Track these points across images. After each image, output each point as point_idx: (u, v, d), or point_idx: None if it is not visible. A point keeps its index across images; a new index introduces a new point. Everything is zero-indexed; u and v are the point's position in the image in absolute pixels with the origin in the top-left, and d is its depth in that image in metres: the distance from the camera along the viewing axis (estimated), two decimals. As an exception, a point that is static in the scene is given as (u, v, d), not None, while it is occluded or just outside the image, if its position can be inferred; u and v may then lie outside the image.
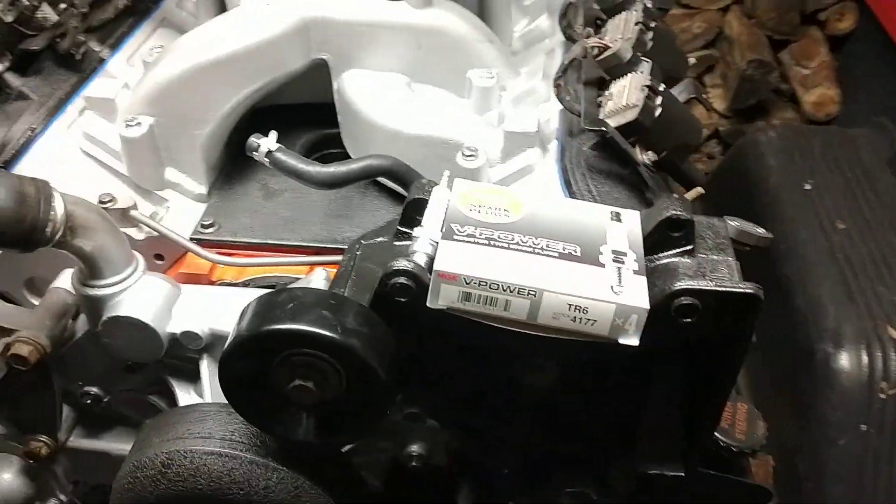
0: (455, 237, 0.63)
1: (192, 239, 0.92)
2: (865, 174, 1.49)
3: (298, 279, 0.86)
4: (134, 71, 1.03)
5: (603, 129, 0.78)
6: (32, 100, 0.93)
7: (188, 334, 0.79)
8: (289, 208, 0.96)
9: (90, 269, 0.77)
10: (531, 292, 0.60)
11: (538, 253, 0.63)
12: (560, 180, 0.84)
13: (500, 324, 0.62)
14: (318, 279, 0.83)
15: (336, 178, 0.80)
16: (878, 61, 2.06)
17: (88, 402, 0.89)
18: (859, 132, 1.66)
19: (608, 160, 0.82)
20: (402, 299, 0.63)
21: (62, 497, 0.96)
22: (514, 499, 0.83)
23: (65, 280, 0.85)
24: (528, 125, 0.88)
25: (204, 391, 0.81)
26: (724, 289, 0.61)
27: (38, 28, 0.94)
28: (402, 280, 0.63)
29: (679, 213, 0.67)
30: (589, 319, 0.60)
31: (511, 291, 0.60)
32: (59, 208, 0.71)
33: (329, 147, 1.07)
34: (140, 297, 0.79)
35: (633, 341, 0.60)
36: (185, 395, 0.84)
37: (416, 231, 0.67)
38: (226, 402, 0.67)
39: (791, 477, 1.35)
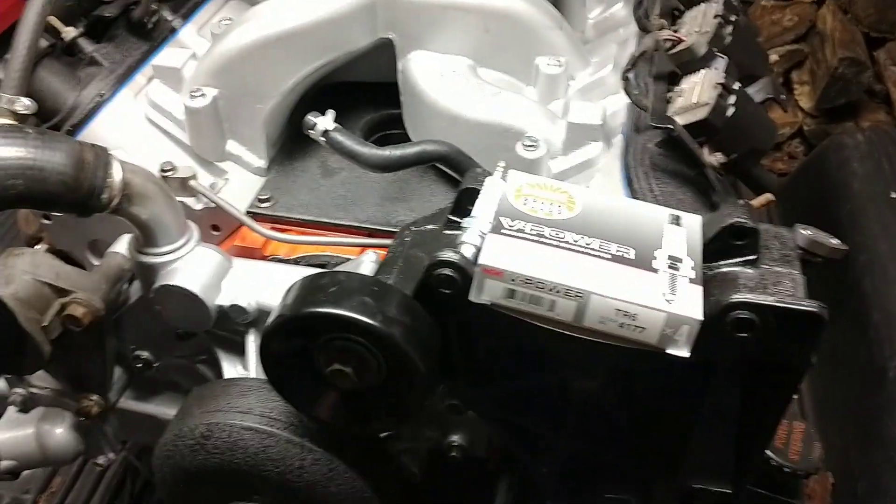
0: (503, 231, 0.61)
1: (248, 213, 0.93)
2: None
3: (349, 260, 0.86)
4: (203, 42, 1.04)
5: (670, 126, 0.74)
6: (103, 66, 0.94)
7: (236, 308, 0.79)
8: (346, 187, 0.96)
9: (145, 237, 0.78)
10: (578, 294, 0.57)
11: (589, 253, 0.60)
12: (622, 177, 0.80)
13: (544, 324, 0.60)
14: (368, 262, 0.82)
15: (390, 162, 0.79)
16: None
17: (140, 365, 0.91)
18: (955, 141, 1.57)
19: (674, 160, 0.79)
20: (447, 291, 0.62)
21: (110, 455, 0.98)
22: (554, 499, 0.81)
23: (122, 245, 0.86)
24: (593, 117, 0.85)
25: (249, 365, 0.81)
26: (784, 305, 0.57)
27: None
28: (447, 272, 0.61)
29: (743, 220, 0.63)
30: (637, 326, 0.57)
31: (557, 292, 0.58)
32: (116, 176, 0.71)
33: (390, 128, 1.06)
34: (192, 267, 0.79)
35: (684, 353, 0.58)
36: (230, 368, 0.85)
37: (465, 222, 0.65)
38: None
39: (850, 496, 1.30)
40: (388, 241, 0.87)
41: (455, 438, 0.86)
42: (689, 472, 0.73)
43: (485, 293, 0.60)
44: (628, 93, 0.79)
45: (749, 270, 0.63)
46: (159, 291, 0.79)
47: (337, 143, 0.79)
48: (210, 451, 0.71)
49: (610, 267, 0.59)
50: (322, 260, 0.86)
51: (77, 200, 0.70)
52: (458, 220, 0.69)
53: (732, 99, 0.75)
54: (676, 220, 0.65)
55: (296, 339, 0.63)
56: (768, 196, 0.74)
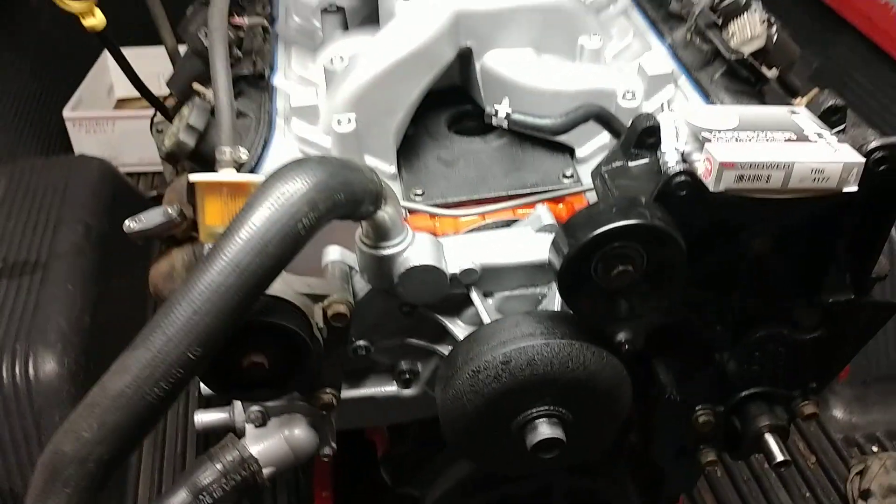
0: (717, 139, 0.86)
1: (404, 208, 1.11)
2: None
3: (517, 221, 1.07)
4: (294, 83, 1.20)
5: (742, 54, 1.03)
6: (250, 117, 1.08)
7: (467, 271, 0.98)
8: (472, 171, 1.16)
9: (384, 233, 0.95)
10: (785, 165, 0.84)
11: (773, 140, 0.87)
12: (703, 101, 1.08)
13: (761, 195, 0.85)
14: (544, 212, 1.04)
15: (565, 125, 1.01)
16: None
17: (362, 354, 1.06)
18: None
19: (739, 82, 1.08)
20: (682, 193, 0.86)
21: (333, 444, 1.12)
22: (722, 348, 1.06)
23: (333, 254, 1.02)
24: (665, 67, 1.12)
25: (482, 314, 1.00)
26: (901, 141, 0.87)
27: (242, 55, 1.09)
28: (682, 178, 0.85)
29: (837, 102, 0.93)
30: (825, 177, 0.84)
31: (771, 167, 0.84)
32: (382, 184, 0.88)
33: (463, 121, 1.27)
34: (422, 249, 0.97)
35: (854, 188, 0.85)
36: (454, 325, 1.03)
37: (664, 144, 0.90)
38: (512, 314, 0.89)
39: None
40: (538, 197, 1.10)
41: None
42: (823, 292, 1.02)
43: (722, 183, 0.84)
44: (697, 41, 1.07)
45: (845, 135, 0.93)
46: (405, 275, 0.96)
47: (520, 121, 1.00)
48: (512, 372, 0.90)
49: (790, 145, 0.86)
50: (502, 223, 1.06)
51: (366, 207, 0.86)
52: (640, 150, 0.93)
53: (774, 29, 1.05)
54: (793, 112, 0.94)
55: (585, 261, 0.84)
56: (815, 90, 1.05)
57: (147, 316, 2.22)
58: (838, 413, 1.86)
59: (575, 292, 0.87)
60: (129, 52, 2.98)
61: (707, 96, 1.09)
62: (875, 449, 1.79)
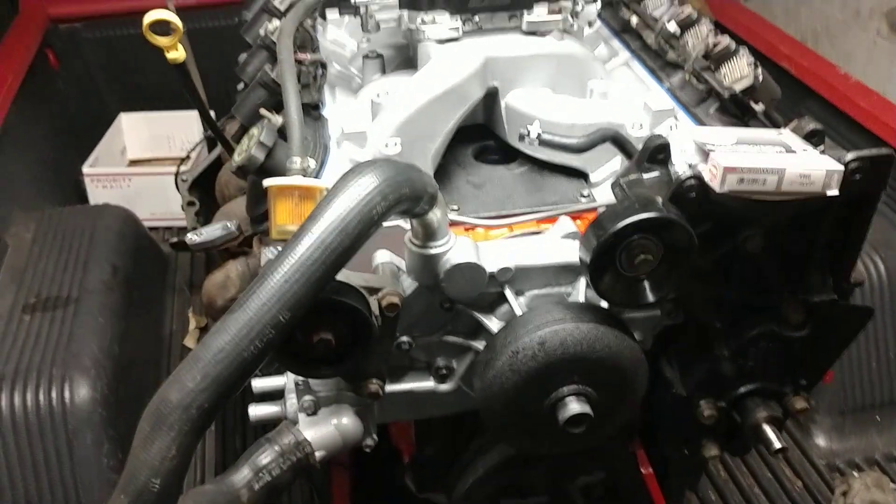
0: (720, 150, 1.02)
1: (442, 222, 1.25)
2: None
3: (541, 232, 1.22)
4: (341, 115, 1.36)
5: (735, 91, 1.21)
6: (308, 139, 1.23)
7: (503, 270, 1.12)
8: (499, 191, 1.31)
9: (432, 233, 1.08)
10: (778, 171, 1.00)
11: (765, 153, 1.03)
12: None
13: (757, 196, 1.01)
14: (567, 222, 1.19)
15: (587, 144, 1.17)
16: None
17: (405, 349, 1.19)
18: None
19: (731, 116, 1.25)
20: (692, 195, 1.02)
21: (374, 436, 1.23)
22: (719, 346, 1.20)
23: (383, 256, 1.16)
24: (666, 104, 1.30)
25: (516, 309, 1.13)
26: (872, 153, 1.04)
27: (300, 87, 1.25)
28: (692, 182, 1.01)
29: (817, 126, 1.10)
30: (811, 182, 1.00)
31: (766, 172, 0.99)
32: (436, 188, 1.03)
33: (487, 153, 1.43)
34: (464, 249, 1.11)
35: (835, 192, 1.01)
36: (489, 321, 1.16)
37: (673, 158, 1.06)
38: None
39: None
40: (563, 210, 1.25)
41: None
42: (807, 292, 1.17)
43: (726, 185, 1.00)
44: (696, 83, 1.25)
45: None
46: (450, 271, 1.09)
47: (548, 140, 1.16)
48: (547, 351, 1.03)
49: (781, 155, 1.02)
50: (528, 233, 1.21)
51: (423, 205, 1.01)
52: (651, 165, 1.09)
53: (759, 70, 1.24)
54: (780, 133, 1.11)
55: (611, 250, 0.99)
56: (796, 120, 1.22)
57: (163, 352, 2.34)
58: (820, 441, 2.00)
59: (602, 279, 1.01)
60: (141, 116, 3.14)
61: (703, 125, 1.26)
62: (855, 474, 1.92)
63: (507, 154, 1.41)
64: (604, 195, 1.28)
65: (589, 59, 1.39)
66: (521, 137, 1.17)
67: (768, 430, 1.22)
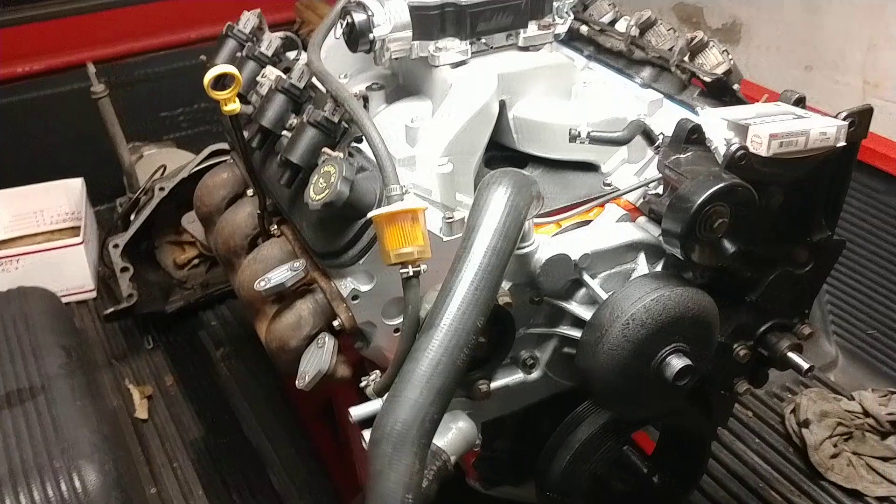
0: (758, 122, 1.22)
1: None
2: None
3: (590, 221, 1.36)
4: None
5: (719, 75, 1.42)
6: (369, 169, 1.29)
7: (584, 256, 1.25)
8: (534, 193, 1.43)
9: (527, 234, 1.19)
10: (804, 132, 1.21)
11: (786, 119, 1.24)
12: (688, 112, 1.45)
13: (790, 155, 1.22)
14: (614, 210, 1.34)
15: (628, 136, 1.32)
16: None
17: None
18: None
19: (713, 98, 1.47)
20: (742, 162, 1.21)
21: (480, 436, 1.30)
22: (750, 292, 1.40)
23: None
24: (655, 95, 1.48)
25: (596, 290, 1.26)
26: (859, 108, 1.28)
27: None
28: (741, 151, 1.20)
29: (800, 94, 1.34)
30: (828, 137, 1.23)
31: (797, 134, 1.20)
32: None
33: (496, 162, 1.55)
34: (549, 245, 1.23)
35: (843, 143, 1.24)
36: (571, 306, 1.28)
37: (709, 135, 1.24)
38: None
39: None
40: (600, 201, 1.40)
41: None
42: (811, 231, 1.40)
43: (771, 149, 1.19)
44: (680, 75, 1.45)
45: (810, 116, 1.34)
46: (545, 264, 1.21)
47: (597, 136, 1.30)
48: (654, 317, 1.17)
49: (798, 120, 1.24)
50: (575, 225, 1.35)
51: (536, 204, 1.12)
52: (687, 145, 1.27)
53: (730, 56, 1.46)
54: (777, 104, 1.33)
55: (693, 219, 1.15)
56: (766, 96, 1.46)
57: (130, 430, 2.21)
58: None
59: (693, 245, 1.17)
60: (11, 193, 2.91)
61: (692, 109, 1.46)
62: (798, 392, 2.23)
63: (514, 161, 1.53)
64: (622, 181, 1.44)
65: (571, 67, 1.56)
66: (573, 138, 1.31)
67: (795, 357, 1.44)
